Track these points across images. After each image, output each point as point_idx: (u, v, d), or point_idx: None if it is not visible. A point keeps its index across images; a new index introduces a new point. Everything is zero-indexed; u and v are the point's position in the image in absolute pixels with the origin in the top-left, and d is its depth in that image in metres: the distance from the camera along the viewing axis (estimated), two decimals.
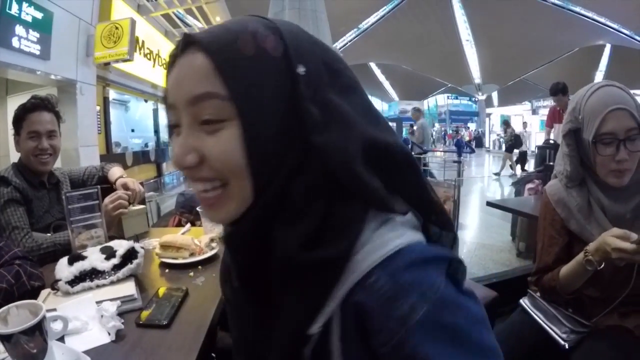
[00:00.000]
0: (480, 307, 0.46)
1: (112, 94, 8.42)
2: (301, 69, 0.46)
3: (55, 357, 0.77)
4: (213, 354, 1.07)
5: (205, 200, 0.50)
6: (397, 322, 0.41)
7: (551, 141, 4.94)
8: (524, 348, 1.25)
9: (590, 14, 18.64)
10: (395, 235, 0.45)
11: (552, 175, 1.30)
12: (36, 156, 1.63)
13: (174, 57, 0.48)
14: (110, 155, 7.82)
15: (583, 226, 1.16)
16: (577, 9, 18.65)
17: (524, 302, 1.33)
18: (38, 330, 0.73)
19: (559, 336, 1.17)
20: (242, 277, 0.54)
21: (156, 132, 11.28)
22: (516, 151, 11.52)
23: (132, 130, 10.12)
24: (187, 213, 2.56)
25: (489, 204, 2.65)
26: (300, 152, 0.46)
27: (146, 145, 10.67)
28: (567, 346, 1.15)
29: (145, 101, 10.56)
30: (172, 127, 0.50)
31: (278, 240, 0.46)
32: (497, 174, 11.38)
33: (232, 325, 0.62)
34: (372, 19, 21.37)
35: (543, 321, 1.23)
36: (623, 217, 1.10)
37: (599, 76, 22.71)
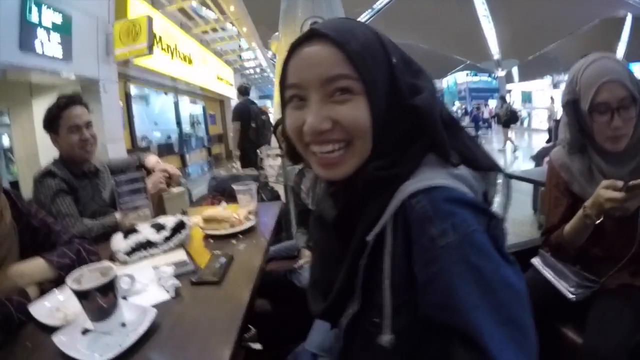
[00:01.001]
0: (519, 279, 0.52)
1: (133, 90, 8.58)
2: (394, 60, 0.63)
3: (123, 311, 0.89)
4: (250, 326, 1.20)
5: (328, 160, 0.63)
6: (428, 240, 0.52)
7: None
8: (533, 301, 1.33)
9: None
10: (443, 177, 0.57)
11: (557, 142, 1.38)
12: (81, 147, 1.74)
13: (297, 46, 0.62)
14: (135, 149, 7.98)
15: (585, 188, 1.25)
16: None
17: (535, 261, 1.41)
18: (110, 288, 0.84)
19: (567, 290, 1.25)
20: (342, 218, 0.67)
21: (178, 124, 11.45)
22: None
23: (155, 124, 10.31)
24: (219, 195, 2.72)
25: (506, 175, 2.70)
26: (397, 116, 0.61)
27: (169, 137, 10.85)
28: (574, 299, 1.23)
29: (166, 94, 10.74)
30: (288, 101, 0.65)
31: (363, 170, 0.62)
32: (501, 150, 11.64)
33: (315, 266, 0.79)
34: None
35: (552, 276, 1.31)
36: (621, 179, 1.16)
37: (621, 47, 21.81)
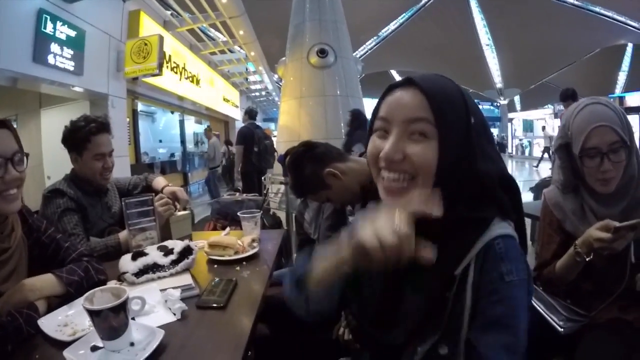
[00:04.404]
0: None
1: (140, 106, 8.64)
2: (472, 120, 0.73)
3: (132, 331, 0.92)
4: (249, 352, 1.24)
5: (392, 187, 0.74)
6: (497, 275, 0.68)
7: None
8: None
9: (610, 13, 18.30)
10: (511, 228, 0.74)
11: (552, 181, 1.44)
12: (101, 174, 1.80)
13: (393, 88, 0.75)
14: (139, 164, 8.02)
15: (577, 226, 1.31)
16: (597, 9, 18.33)
17: None
18: (122, 309, 0.89)
19: (556, 323, 1.29)
20: None
21: (182, 142, 11.51)
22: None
23: (160, 141, 10.37)
24: (222, 219, 2.76)
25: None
26: (465, 172, 0.72)
27: (172, 155, 10.91)
28: (563, 332, 1.27)
29: (172, 112, 10.82)
30: (375, 131, 0.77)
31: (452, 209, 0.72)
32: None
33: (371, 301, 0.83)
34: (392, 26, 21.46)
35: (542, 309, 1.35)
36: (612, 219, 1.20)
37: (622, 76, 22.20)
